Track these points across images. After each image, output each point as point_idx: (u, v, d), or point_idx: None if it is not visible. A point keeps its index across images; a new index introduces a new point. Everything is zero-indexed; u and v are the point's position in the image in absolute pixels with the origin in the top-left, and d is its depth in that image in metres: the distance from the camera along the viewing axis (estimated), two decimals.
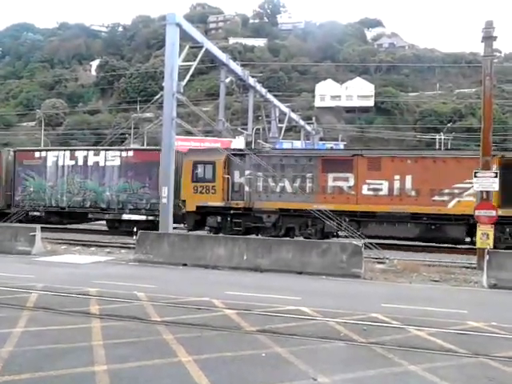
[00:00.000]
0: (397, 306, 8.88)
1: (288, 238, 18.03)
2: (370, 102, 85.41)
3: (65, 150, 24.48)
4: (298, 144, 41.54)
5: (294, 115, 36.99)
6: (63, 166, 23.01)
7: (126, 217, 21.91)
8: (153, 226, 21.20)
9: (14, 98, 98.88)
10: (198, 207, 19.74)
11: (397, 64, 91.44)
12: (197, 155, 21.09)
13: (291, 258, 12.94)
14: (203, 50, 19.68)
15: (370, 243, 15.86)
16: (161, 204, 17.71)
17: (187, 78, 19.28)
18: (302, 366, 5.46)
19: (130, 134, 51.15)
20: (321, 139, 46.28)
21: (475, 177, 14.20)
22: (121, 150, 23.16)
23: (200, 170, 20.05)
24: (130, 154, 22.18)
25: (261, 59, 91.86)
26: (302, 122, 39.20)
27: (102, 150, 23.09)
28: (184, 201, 20.15)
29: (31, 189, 23.45)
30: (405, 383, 5.11)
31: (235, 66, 23.78)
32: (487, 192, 14.24)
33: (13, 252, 15.14)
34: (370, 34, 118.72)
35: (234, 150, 22.04)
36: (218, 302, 8.71)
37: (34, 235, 15.61)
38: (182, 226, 21.98)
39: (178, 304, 8.49)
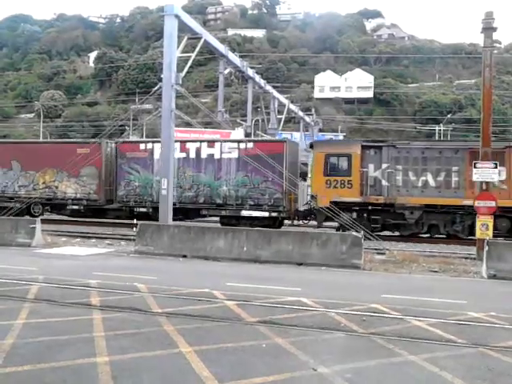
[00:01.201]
0: (396, 296, 8.91)
1: (287, 229, 18.04)
2: (370, 93, 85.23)
3: (175, 141, 22.94)
4: (297, 135, 41.46)
5: (293, 106, 36.91)
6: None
7: (245, 213, 20.69)
8: (275, 223, 20.55)
9: (12, 89, 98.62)
10: (332, 203, 18.37)
11: (396, 55, 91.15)
12: (330, 147, 20.00)
13: (291, 250, 12.97)
14: (202, 41, 19.57)
15: (370, 234, 15.89)
16: (160, 196, 17.70)
17: (186, 69, 19.19)
18: (303, 357, 5.49)
19: (128, 126, 51.03)
20: (320, 130, 46.21)
21: (474, 167, 14.20)
22: (239, 142, 21.93)
23: (334, 162, 18.94)
24: (250, 145, 20.82)
25: (260, 50, 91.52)
26: (301, 114, 39.12)
27: (218, 141, 22.00)
28: (314, 196, 19.24)
29: (136, 183, 22.15)
30: (404, 373, 5.14)
31: (234, 58, 23.69)
32: (487, 183, 14.25)
33: (13, 244, 15.17)
34: (369, 24, 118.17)
35: (368, 141, 20.96)
36: (218, 293, 8.73)
37: (34, 227, 15.62)
38: (300, 222, 21.07)
39: (179, 295, 8.52)
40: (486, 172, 14.07)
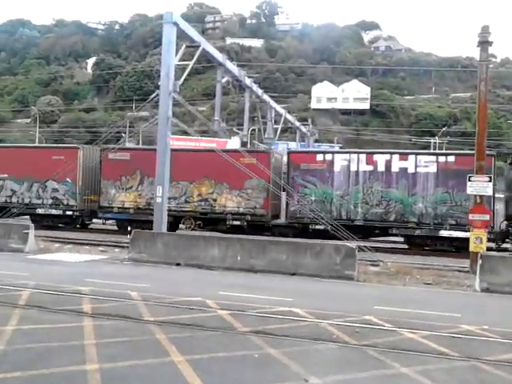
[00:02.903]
0: (390, 308, 8.90)
1: (282, 239, 17.97)
2: (366, 105, 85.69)
3: (359, 152, 21.28)
4: (293, 145, 41.57)
5: (289, 116, 37.03)
6: (357, 172, 19.93)
7: (444, 233, 18.82)
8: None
9: (9, 94, 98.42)
10: None
11: (393, 67, 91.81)
12: None
13: (285, 259, 12.95)
14: (200, 49, 19.64)
15: (365, 245, 15.89)
16: (155, 203, 17.64)
17: (184, 77, 19.24)
18: (294, 367, 5.47)
19: (125, 133, 51.00)
20: (316, 141, 46.35)
21: (469, 181, 14.28)
22: (437, 155, 20.55)
23: None
24: (451, 159, 19.22)
25: (258, 60, 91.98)
26: (297, 124, 39.24)
27: (411, 154, 20.45)
28: None
29: (312, 198, 20.19)
30: None
31: (232, 66, 23.77)
32: (481, 196, 14.32)
33: (5, 249, 15.06)
34: (366, 36, 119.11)
35: None
36: (211, 302, 8.69)
37: (27, 233, 15.53)
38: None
39: (171, 304, 8.47)
40: (480, 185, 14.14)
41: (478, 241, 13.89)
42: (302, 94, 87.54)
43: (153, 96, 18.81)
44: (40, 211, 23.09)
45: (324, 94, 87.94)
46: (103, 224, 24.11)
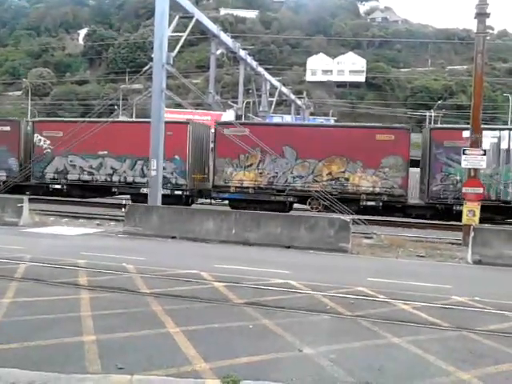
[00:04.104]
0: (383, 280, 9.02)
1: (276, 213, 18.06)
2: (362, 78, 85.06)
3: (510, 129, 19.62)
4: (288, 118, 41.36)
5: (284, 89, 36.74)
6: (508, 150, 18.35)
7: None
8: None
9: None
10: None
11: (389, 39, 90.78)
12: None
13: (280, 233, 13.02)
14: (194, 20, 19.31)
15: (359, 218, 16.00)
16: (150, 177, 17.62)
17: (177, 49, 18.94)
18: (289, 338, 5.56)
19: (118, 106, 50.49)
20: (311, 114, 46.14)
21: (463, 154, 14.30)
22: None
23: None
24: None
25: (252, 31, 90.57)
26: (292, 97, 39.00)
27: None
28: None
29: (457, 178, 18.52)
30: (388, 355, 5.23)
31: (226, 38, 23.44)
32: (475, 169, 14.37)
33: None
34: (363, 7, 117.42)
35: None
36: (206, 274, 8.77)
37: (22, 206, 15.49)
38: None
39: (167, 276, 8.54)
40: (474, 159, 14.18)
41: (471, 214, 14.00)
42: (297, 66, 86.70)
43: (146, 68, 18.53)
44: (145, 191, 20.58)
45: (319, 67, 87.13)
46: (210, 204, 21.91)
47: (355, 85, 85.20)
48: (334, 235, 12.63)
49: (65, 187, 22.56)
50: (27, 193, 22.67)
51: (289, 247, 12.63)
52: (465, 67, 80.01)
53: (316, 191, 19.30)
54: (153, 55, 17.66)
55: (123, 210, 15.14)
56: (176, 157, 20.84)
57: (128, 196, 22.06)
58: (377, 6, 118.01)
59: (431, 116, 57.35)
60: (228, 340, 5.47)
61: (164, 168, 20.17)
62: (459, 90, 77.01)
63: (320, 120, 50.52)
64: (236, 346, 5.29)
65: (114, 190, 22.05)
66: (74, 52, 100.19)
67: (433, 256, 12.45)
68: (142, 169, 21.45)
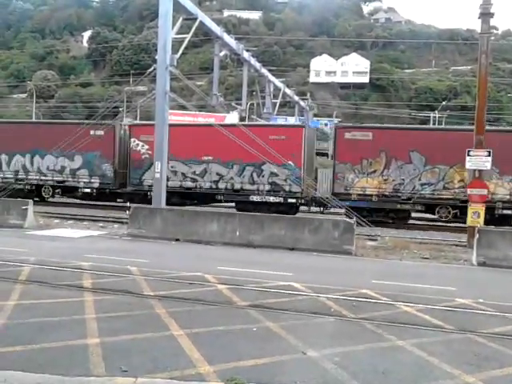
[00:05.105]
0: (387, 282, 9.00)
1: (280, 215, 18.01)
2: (365, 79, 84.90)
3: None
4: (291, 120, 41.33)
5: (288, 91, 36.67)
6: None
7: None
8: None
9: (4, 69, 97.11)
10: None
11: (393, 40, 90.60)
12: None
13: (284, 235, 13.02)
14: (197, 22, 19.29)
15: (363, 220, 15.97)
16: (154, 179, 17.63)
17: (181, 50, 18.95)
18: (293, 341, 5.55)
19: (122, 108, 50.63)
20: (315, 115, 46.07)
21: (468, 155, 14.25)
22: None
23: None
24: None
25: (256, 33, 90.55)
26: (296, 98, 38.89)
27: None
28: None
29: None
30: (392, 358, 5.21)
31: (230, 40, 23.41)
32: (479, 170, 14.32)
33: (4, 226, 15.09)
34: (366, 8, 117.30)
35: None
36: (210, 276, 8.77)
37: (26, 209, 15.55)
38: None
39: (171, 279, 8.55)
40: (479, 160, 14.12)
41: (476, 215, 13.95)
42: (300, 67, 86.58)
43: (150, 70, 18.56)
44: (254, 198, 20.24)
45: (323, 68, 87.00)
46: (321, 213, 21.03)
47: (359, 86, 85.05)
48: (338, 237, 12.61)
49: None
50: (118, 200, 22.02)
51: (293, 249, 12.62)
52: (469, 68, 79.69)
53: (447, 199, 18.34)
54: (157, 57, 17.69)
55: (127, 212, 15.18)
56: (290, 162, 19.92)
57: (233, 204, 21.28)
58: (380, 7, 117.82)
59: (435, 117, 57.15)
60: (232, 342, 5.47)
61: (276, 174, 19.58)
62: (463, 90, 76.73)
63: (324, 121, 50.45)
64: (240, 348, 5.29)
65: (219, 197, 21.13)
66: (79, 54, 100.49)
67: (437, 258, 12.41)
68: (252, 175, 20.62)
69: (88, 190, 22.41)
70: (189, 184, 21.43)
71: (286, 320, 6.35)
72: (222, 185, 20.95)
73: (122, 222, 16.61)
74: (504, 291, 8.98)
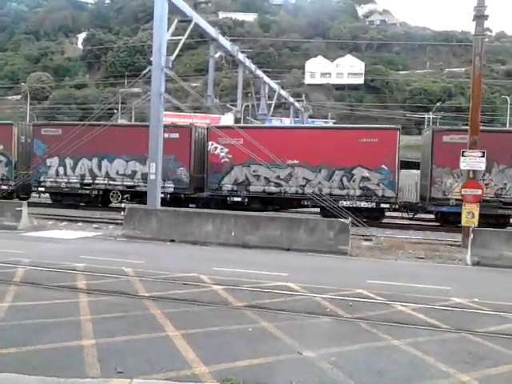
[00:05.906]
0: (382, 282, 9.01)
1: (276, 215, 17.95)
2: (360, 80, 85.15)
3: None
4: (287, 121, 41.39)
5: (283, 92, 36.78)
6: None
7: None
8: None
9: None
10: None
11: (388, 42, 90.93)
12: None
13: (279, 235, 13.01)
14: (192, 24, 19.32)
15: (358, 220, 16.00)
16: (149, 180, 17.61)
17: (176, 52, 18.95)
18: (288, 341, 5.55)
19: (117, 109, 50.54)
20: (310, 117, 46.17)
21: (462, 156, 14.30)
22: None
23: None
24: None
25: (251, 34, 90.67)
26: (291, 99, 39.01)
27: None
28: None
29: None
30: (388, 357, 5.22)
31: (225, 41, 23.46)
32: (474, 171, 14.37)
33: None
34: (361, 10, 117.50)
35: None
36: (205, 277, 8.76)
37: (20, 210, 15.47)
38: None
39: (166, 279, 8.53)
40: (473, 161, 14.18)
41: (470, 215, 14.00)
42: (295, 69, 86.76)
43: (145, 72, 18.55)
44: (345, 203, 19.21)
45: (318, 69, 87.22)
46: (411, 219, 20.42)
47: (354, 87, 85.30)
48: (333, 237, 12.62)
49: (246, 200, 20.49)
50: (191, 205, 21.18)
51: (288, 250, 12.61)
52: (463, 69, 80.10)
53: None
54: (152, 59, 17.69)
55: (122, 213, 15.13)
56: (383, 166, 19.04)
57: (318, 209, 20.26)
58: (375, 9, 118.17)
59: (430, 118, 57.38)
60: (227, 343, 5.46)
61: (368, 179, 18.95)
62: (458, 92, 77.10)
63: (319, 123, 50.54)
64: (235, 349, 5.28)
65: (305, 202, 20.10)
66: (73, 56, 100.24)
67: (432, 258, 12.44)
68: (342, 180, 19.66)
69: (162, 196, 19.90)
70: (273, 189, 20.45)
71: (282, 320, 6.35)
72: (308, 189, 19.82)
73: (116, 223, 16.55)
74: (498, 290, 9.01)
